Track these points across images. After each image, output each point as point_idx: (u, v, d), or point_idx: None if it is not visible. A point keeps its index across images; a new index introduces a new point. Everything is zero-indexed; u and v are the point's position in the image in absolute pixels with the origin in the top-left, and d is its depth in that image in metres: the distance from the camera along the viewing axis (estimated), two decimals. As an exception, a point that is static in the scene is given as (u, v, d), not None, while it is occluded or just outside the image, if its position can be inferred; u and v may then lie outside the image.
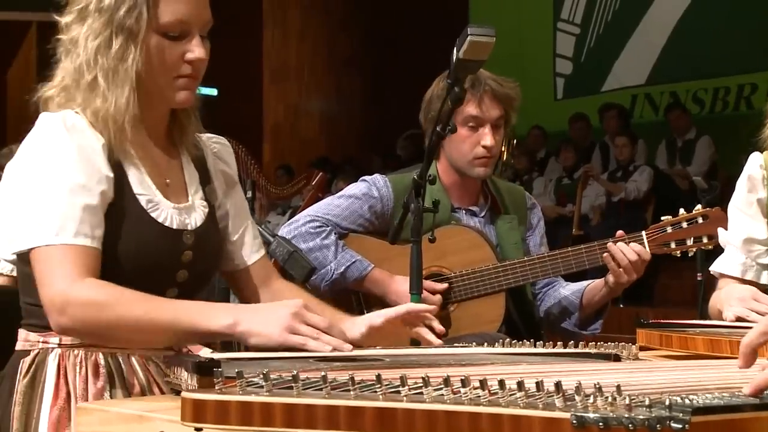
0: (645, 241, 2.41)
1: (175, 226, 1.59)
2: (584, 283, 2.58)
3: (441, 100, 2.20)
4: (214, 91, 9.75)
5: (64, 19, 1.58)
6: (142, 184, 1.58)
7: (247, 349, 1.49)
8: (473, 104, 2.45)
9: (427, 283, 2.42)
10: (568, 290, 2.59)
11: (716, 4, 8.59)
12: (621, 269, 2.38)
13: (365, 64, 10.67)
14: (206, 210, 1.67)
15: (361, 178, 2.62)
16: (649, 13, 9.07)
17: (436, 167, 2.59)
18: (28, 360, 1.54)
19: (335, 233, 2.53)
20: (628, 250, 2.37)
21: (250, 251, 1.76)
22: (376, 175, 2.61)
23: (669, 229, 2.42)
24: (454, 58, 1.94)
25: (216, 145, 1.76)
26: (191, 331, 1.46)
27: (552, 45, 9.83)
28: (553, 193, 8.16)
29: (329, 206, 2.58)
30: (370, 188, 2.56)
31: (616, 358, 1.46)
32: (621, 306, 6.52)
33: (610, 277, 2.42)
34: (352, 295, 2.55)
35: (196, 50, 1.56)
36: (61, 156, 1.50)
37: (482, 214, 2.60)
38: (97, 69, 1.53)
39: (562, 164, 8.29)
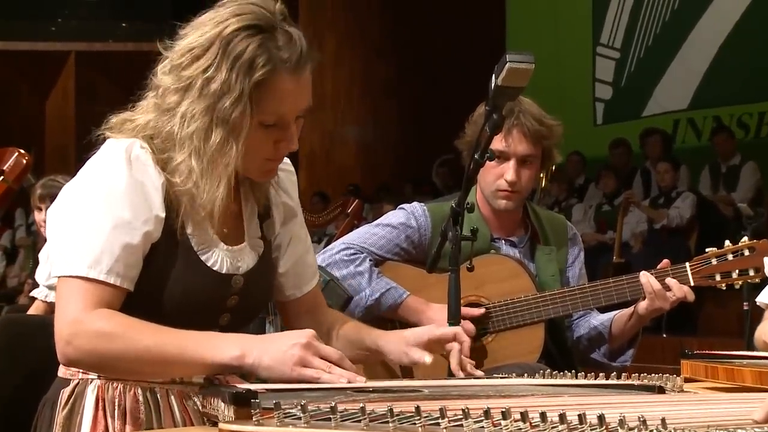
0: (689, 273, 2.38)
1: (224, 271, 1.58)
2: (613, 313, 2.55)
3: (478, 126, 2.20)
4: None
5: (164, 78, 1.53)
6: (196, 225, 1.56)
7: (263, 380, 1.48)
8: (500, 137, 2.42)
9: (464, 309, 2.41)
10: (597, 320, 2.57)
11: (760, 27, 8.52)
12: (654, 295, 2.36)
13: (401, 91, 10.72)
14: (261, 250, 1.65)
15: (399, 207, 2.62)
16: (691, 37, 9.02)
17: (475, 196, 2.58)
18: (67, 390, 1.56)
19: (370, 260, 2.53)
20: (673, 283, 2.35)
21: (302, 282, 1.76)
22: (415, 204, 2.60)
23: (714, 261, 2.38)
24: (493, 84, 1.94)
25: (281, 173, 1.72)
26: (199, 362, 1.44)
27: (591, 70, 9.81)
28: (593, 219, 8.10)
29: (365, 234, 2.58)
30: (408, 218, 2.56)
31: (660, 390, 1.44)
32: (664, 336, 6.44)
33: (642, 304, 2.40)
34: (388, 324, 2.55)
35: (292, 141, 1.54)
36: (113, 189, 1.51)
37: (522, 245, 2.59)
38: (191, 151, 1.50)
39: (602, 190, 8.24)
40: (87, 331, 1.44)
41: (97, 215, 1.49)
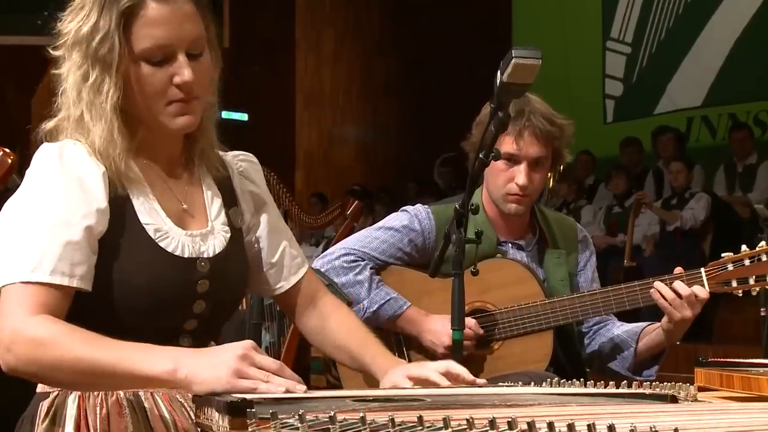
0: (704, 279, 2.37)
1: (186, 255, 1.59)
2: (641, 324, 2.54)
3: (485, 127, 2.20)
4: (244, 116, 9.88)
5: (55, 53, 1.61)
6: (150, 213, 1.59)
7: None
8: (510, 140, 2.43)
9: (470, 321, 2.42)
10: (622, 330, 2.55)
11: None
12: (671, 306, 2.35)
13: (402, 88, 10.73)
14: (228, 235, 1.67)
15: (402, 209, 2.62)
16: (706, 31, 9.02)
17: (480, 197, 2.58)
18: (47, 403, 1.56)
19: (370, 268, 2.53)
20: (679, 285, 2.34)
21: (288, 273, 1.79)
22: (419, 206, 2.60)
23: (730, 267, 2.38)
24: (498, 81, 1.94)
25: (242, 163, 1.77)
26: (131, 375, 1.42)
27: (601, 65, 9.82)
28: (603, 222, 8.10)
29: (366, 238, 2.58)
30: (412, 220, 2.56)
31: (673, 400, 1.44)
32: (678, 343, 6.42)
33: (665, 319, 2.39)
34: (392, 336, 2.55)
35: (182, 72, 1.55)
36: (48, 189, 1.52)
37: (529, 248, 2.59)
38: (82, 104, 1.56)
39: (612, 191, 8.24)
40: (25, 338, 1.44)
41: (33, 218, 1.51)
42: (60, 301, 1.49)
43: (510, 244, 2.58)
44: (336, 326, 1.80)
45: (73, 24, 1.56)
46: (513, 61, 1.90)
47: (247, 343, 1.42)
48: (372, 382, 2.57)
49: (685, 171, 7.50)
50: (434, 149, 9.83)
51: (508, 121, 2.01)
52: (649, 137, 8.42)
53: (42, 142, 1.60)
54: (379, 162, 10.79)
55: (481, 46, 9.42)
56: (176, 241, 1.59)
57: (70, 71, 1.57)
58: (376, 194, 9.57)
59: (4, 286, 1.49)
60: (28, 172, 1.57)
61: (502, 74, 1.93)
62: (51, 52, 1.61)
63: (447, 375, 1.65)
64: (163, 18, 1.54)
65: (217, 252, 1.63)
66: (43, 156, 1.56)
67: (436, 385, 1.65)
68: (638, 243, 7.58)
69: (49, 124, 1.61)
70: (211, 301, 1.62)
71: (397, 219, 2.59)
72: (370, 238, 2.57)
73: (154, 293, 1.55)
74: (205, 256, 1.62)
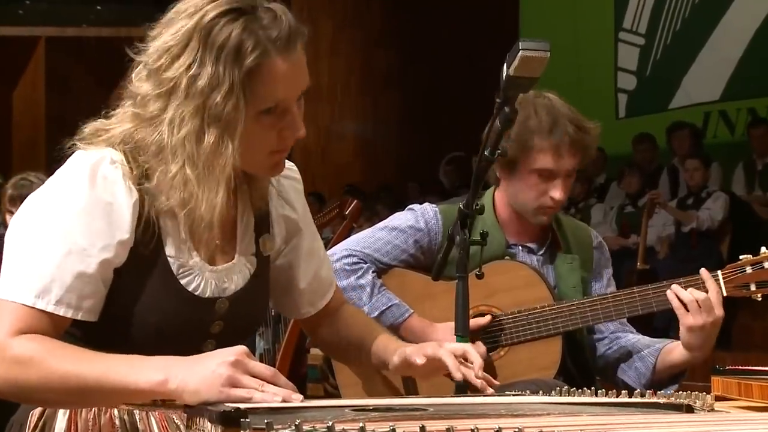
0: (721, 282, 2.38)
1: (207, 295, 1.59)
2: (663, 341, 2.53)
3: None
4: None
5: (142, 85, 1.52)
6: (177, 245, 1.57)
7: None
8: (549, 155, 2.43)
9: (471, 321, 2.42)
10: (641, 343, 2.53)
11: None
12: (686, 311, 2.35)
13: (404, 82, 10.74)
14: (252, 268, 1.66)
15: (408, 207, 2.62)
16: (724, 21, 9.02)
17: (492, 196, 2.58)
18: (37, 412, 1.56)
19: (373, 271, 2.54)
20: (694, 289, 2.34)
21: (316, 299, 1.83)
22: (426, 205, 2.60)
23: (748, 270, 2.38)
24: (504, 75, 1.95)
25: (283, 181, 1.74)
26: (121, 389, 1.42)
27: (613, 58, 9.82)
28: (615, 222, 8.11)
29: (369, 239, 2.58)
30: (418, 220, 2.56)
31: (689, 409, 1.45)
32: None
33: (683, 330, 2.35)
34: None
35: (297, 128, 1.54)
36: (70, 210, 1.50)
37: (541, 252, 2.59)
38: (184, 159, 1.49)
39: (625, 190, 8.25)
40: (6, 358, 1.44)
41: (49, 239, 1.49)
42: (54, 328, 1.49)
43: (520, 247, 2.58)
44: (350, 332, 1.86)
45: (179, 70, 1.48)
46: (520, 53, 1.91)
47: (239, 349, 1.42)
48: (372, 391, 2.58)
49: (702, 169, 7.50)
50: (437, 145, 9.84)
51: (515, 117, 2.02)
52: (663, 133, 8.42)
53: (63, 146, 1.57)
54: (380, 159, 10.80)
55: (487, 38, 9.43)
56: (199, 278, 1.59)
57: (171, 122, 1.49)
58: (376, 193, 9.58)
59: (1, 299, 1.48)
60: (55, 178, 1.54)
61: (508, 67, 1.94)
62: (130, 87, 1.54)
63: (462, 357, 1.73)
64: (287, 73, 1.50)
65: (238, 289, 1.63)
66: (75, 167, 1.53)
67: (444, 368, 1.72)
68: (652, 245, 7.59)
69: (97, 138, 1.55)
70: (221, 340, 1.62)
71: (402, 218, 2.59)
72: (373, 238, 2.58)
73: (162, 331, 1.56)
74: (226, 294, 1.62)
